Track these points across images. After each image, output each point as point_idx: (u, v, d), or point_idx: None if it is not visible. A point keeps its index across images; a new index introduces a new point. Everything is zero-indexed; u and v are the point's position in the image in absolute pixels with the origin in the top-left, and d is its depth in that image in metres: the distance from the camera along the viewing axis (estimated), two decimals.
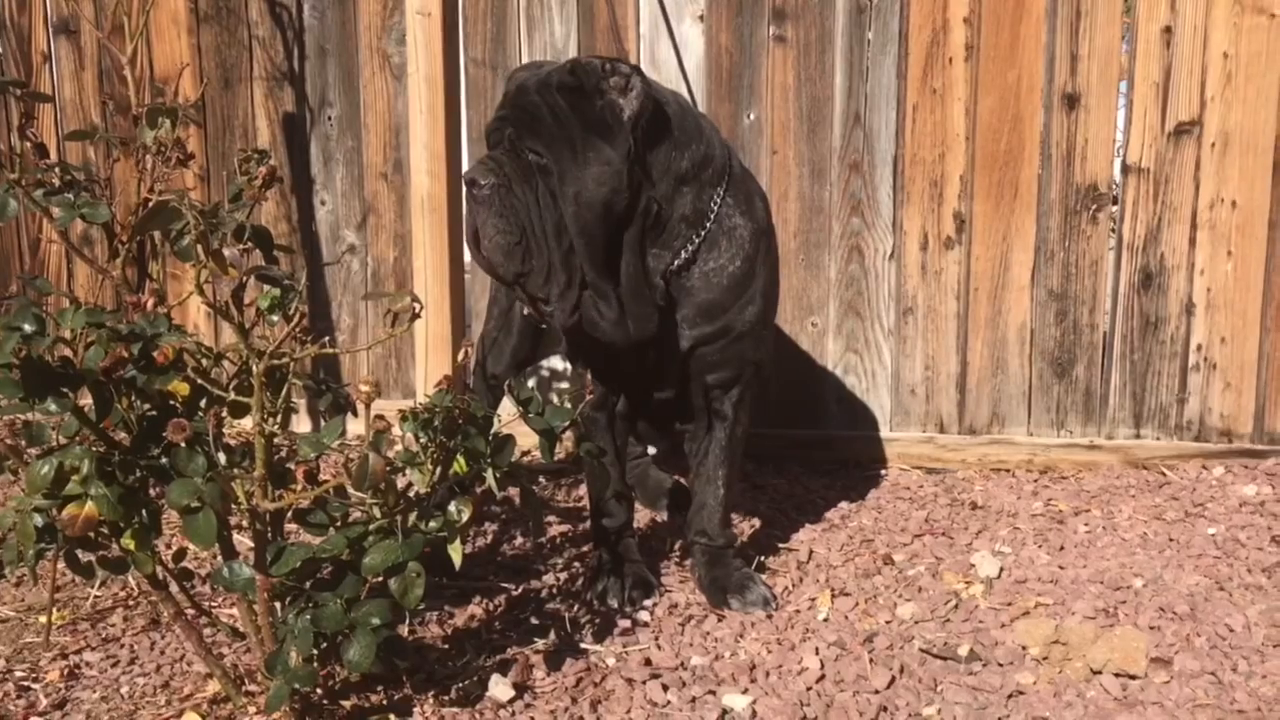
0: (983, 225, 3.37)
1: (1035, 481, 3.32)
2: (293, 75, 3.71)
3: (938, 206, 3.39)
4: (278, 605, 1.90)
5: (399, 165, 3.67)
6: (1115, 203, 3.38)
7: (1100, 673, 2.09)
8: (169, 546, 2.67)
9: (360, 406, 1.66)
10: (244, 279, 1.58)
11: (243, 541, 2.33)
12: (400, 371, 3.76)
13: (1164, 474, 3.29)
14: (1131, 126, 3.28)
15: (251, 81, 3.71)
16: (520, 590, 2.60)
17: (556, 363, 3.63)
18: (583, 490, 3.28)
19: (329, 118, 3.71)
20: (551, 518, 3.10)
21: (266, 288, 1.77)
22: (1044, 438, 3.43)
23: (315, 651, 1.83)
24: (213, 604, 2.43)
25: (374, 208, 3.72)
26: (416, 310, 1.68)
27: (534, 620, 2.44)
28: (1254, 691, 2.02)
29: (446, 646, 2.31)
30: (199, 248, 1.53)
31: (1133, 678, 2.07)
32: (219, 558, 2.00)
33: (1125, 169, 3.31)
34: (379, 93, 3.67)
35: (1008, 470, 3.42)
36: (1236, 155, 3.22)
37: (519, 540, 2.92)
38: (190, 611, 2.12)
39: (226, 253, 1.53)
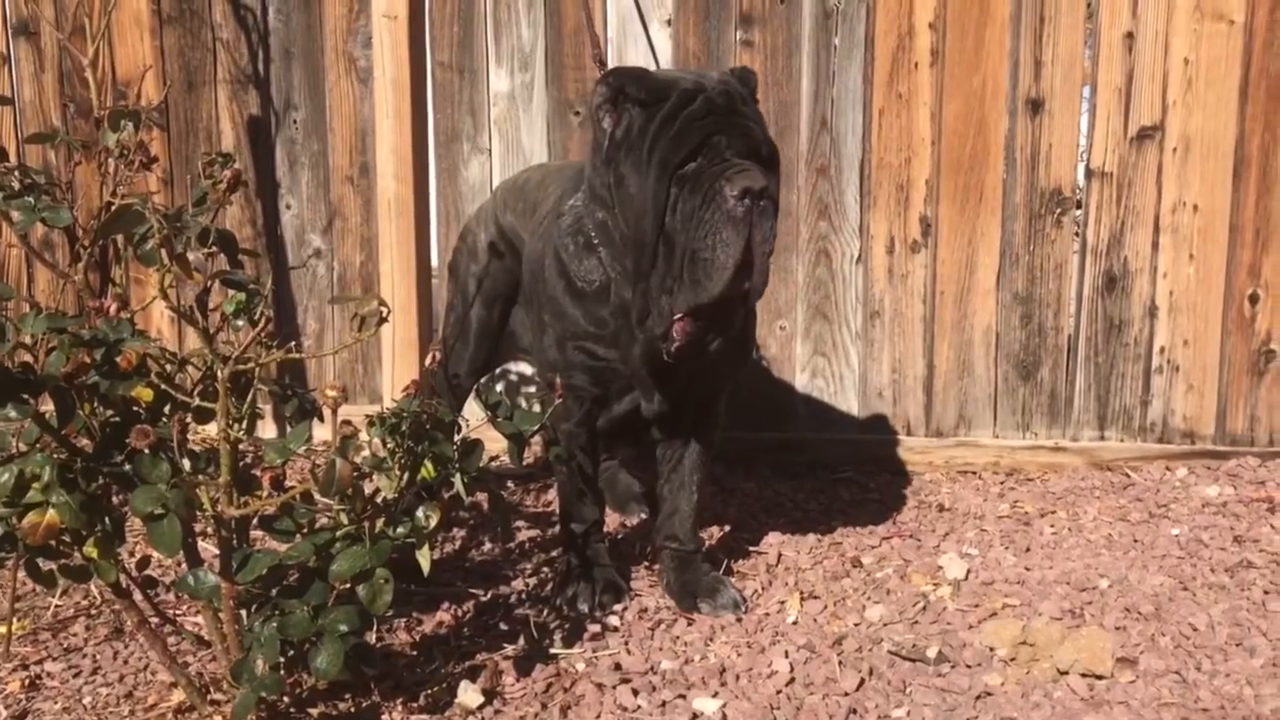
0: (948, 229, 3.39)
1: (1001, 483, 3.35)
2: (257, 78, 3.68)
3: (904, 210, 3.41)
4: (244, 613, 1.88)
5: (365, 169, 3.65)
6: (1079, 207, 3.41)
7: (1067, 673, 2.10)
8: (132, 554, 2.64)
9: (327, 412, 1.65)
10: (208, 283, 1.56)
11: (207, 549, 2.31)
12: (367, 376, 3.73)
13: (1128, 475, 3.32)
14: (1095, 131, 3.31)
15: (215, 84, 3.67)
16: (489, 596, 2.59)
17: (524, 367, 3.62)
18: (551, 494, 3.27)
19: (294, 121, 3.68)
20: (520, 522, 3.09)
21: (232, 292, 1.75)
22: (1010, 440, 3.46)
23: (282, 659, 1.81)
24: (177, 612, 2.41)
25: (340, 211, 3.69)
26: (384, 314, 1.67)
27: (503, 626, 2.43)
28: (1218, 690, 2.04)
29: (415, 653, 2.30)
30: (163, 252, 1.51)
31: (1099, 678, 2.09)
32: (184, 565, 1.98)
33: (1089, 173, 3.34)
34: (345, 96, 3.65)
35: (974, 472, 3.44)
36: (1198, 160, 3.26)
37: (488, 545, 2.91)
38: (154, 620, 2.09)
39: (191, 257, 1.51)
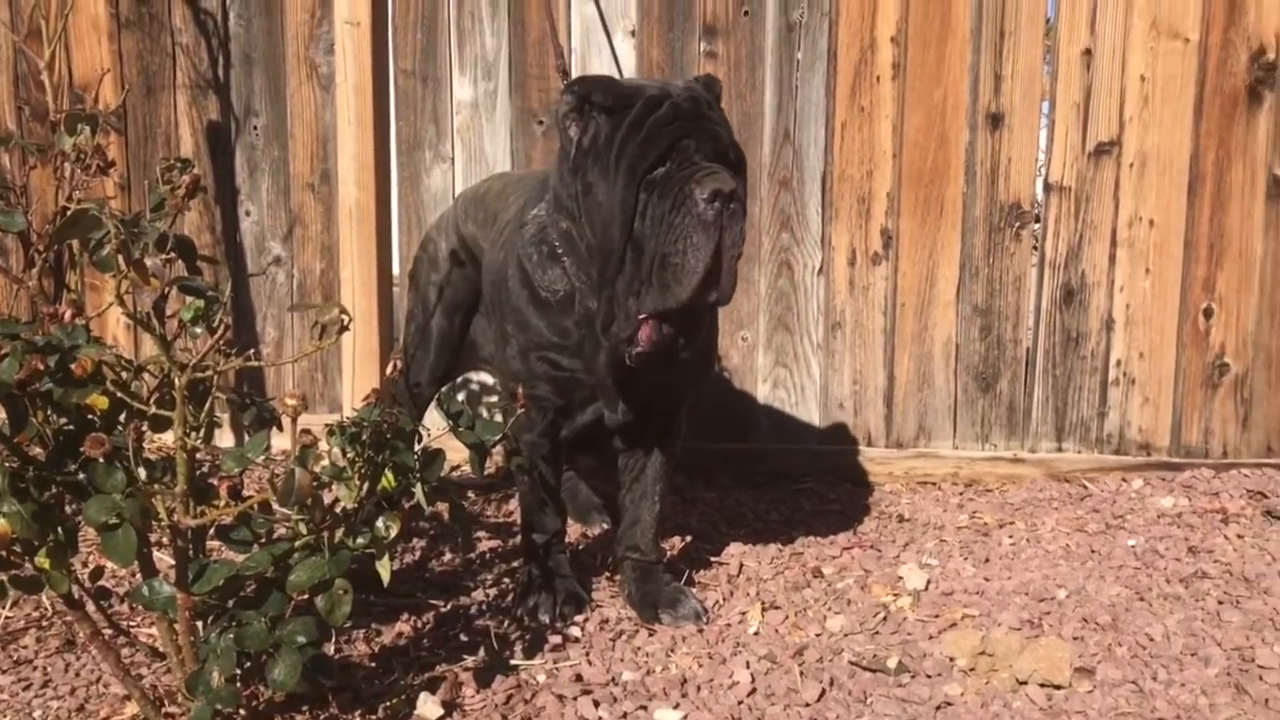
0: (909, 242, 3.42)
1: (960, 494, 3.37)
2: (217, 83, 3.64)
3: (865, 223, 3.43)
4: (199, 624, 1.86)
5: (326, 176, 3.62)
6: (1038, 220, 3.45)
7: (1026, 683, 2.11)
8: (85, 565, 2.60)
9: (286, 421, 1.63)
10: (166, 290, 1.54)
11: (162, 559, 2.27)
12: (327, 385, 3.70)
13: (1085, 486, 3.35)
14: (1053, 146, 3.35)
15: (174, 89, 3.63)
16: (449, 607, 2.56)
17: (486, 377, 3.60)
18: (512, 505, 3.26)
19: (255, 127, 3.65)
20: (481, 533, 3.07)
21: (190, 299, 1.73)
22: (969, 451, 3.48)
23: (238, 671, 1.79)
24: (131, 624, 2.37)
25: (300, 219, 3.66)
26: (345, 322, 1.65)
27: (463, 637, 2.41)
28: (1173, 699, 2.06)
29: (374, 665, 2.27)
30: (119, 257, 1.49)
31: (1057, 688, 2.10)
32: (138, 576, 1.95)
33: (1047, 187, 3.38)
34: (306, 102, 3.62)
35: (934, 483, 3.46)
36: (1154, 175, 3.31)
37: (448, 556, 2.88)
38: (108, 631, 2.06)
39: (148, 263, 1.49)
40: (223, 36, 3.63)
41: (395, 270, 3.64)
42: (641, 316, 2.18)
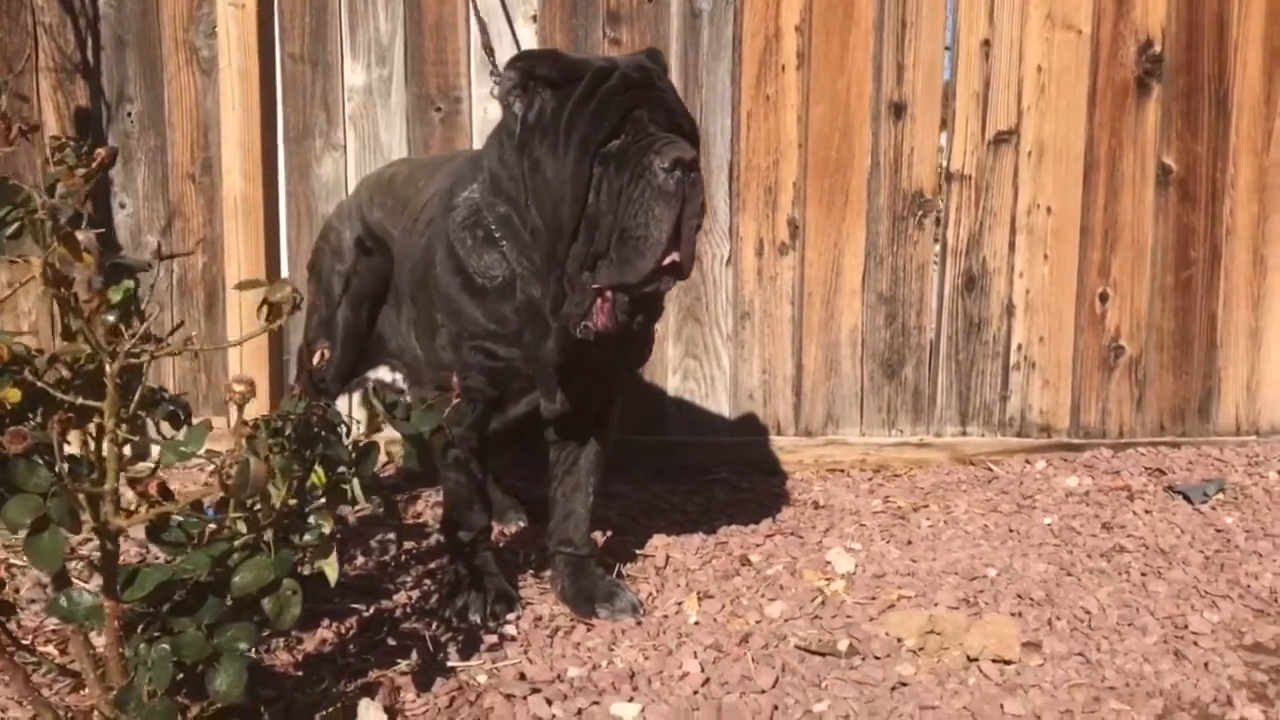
0: (815, 231, 3.42)
1: (870, 480, 3.39)
2: (86, 67, 3.41)
3: (772, 213, 3.42)
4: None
5: (208, 165, 3.43)
6: (940, 209, 3.50)
7: (977, 660, 2.12)
8: None
9: (232, 409, 1.50)
10: (98, 267, 1.39)
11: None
12: (211, 387, 3.50)
13: (990, 469, 3.41)
14: (954, 135, 3.40)
15: (38, 72, 3.38)
16: (372, 610, 2.43)
17: (384, 374, 3.45)
18: (419, 506, 3.14)
19: (129, 114, 3.43)
20: (390, 535, 2.94)
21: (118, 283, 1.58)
22: (876, 437, 3.51)
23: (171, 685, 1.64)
24: (25, 640, 2.17)
25: (180, 211, 3.46)
26: (297, 301, 1.53)
27: (391, 641, 2.29)
28: (1120, 668, 2.09)
29: (300, 673, 2.14)
30: (48, 228, 1.34)
31: (1008, 663, 2.11)
32: (23, 591, 1.78)
33: (948, 176, 3.43)
34: (185, 88, 3.42)
35: (843, 470, 3.47)
36: (1051, 163, 3.39)
37: (360, 559, 2.75)
38: (10, 649, 1.87)
39: (80, 236, 1.35)
40: (91, 17, 3.40)
41: (284, 266, 3.46)
42: (595, 286, 2.09)
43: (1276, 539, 2.72)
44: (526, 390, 2.36)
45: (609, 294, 2.09)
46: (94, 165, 1.73)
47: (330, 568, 1.74)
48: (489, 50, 2.50)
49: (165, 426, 1.78)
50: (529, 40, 3.35)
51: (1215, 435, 3.50)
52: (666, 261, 2.04)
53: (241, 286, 1.53)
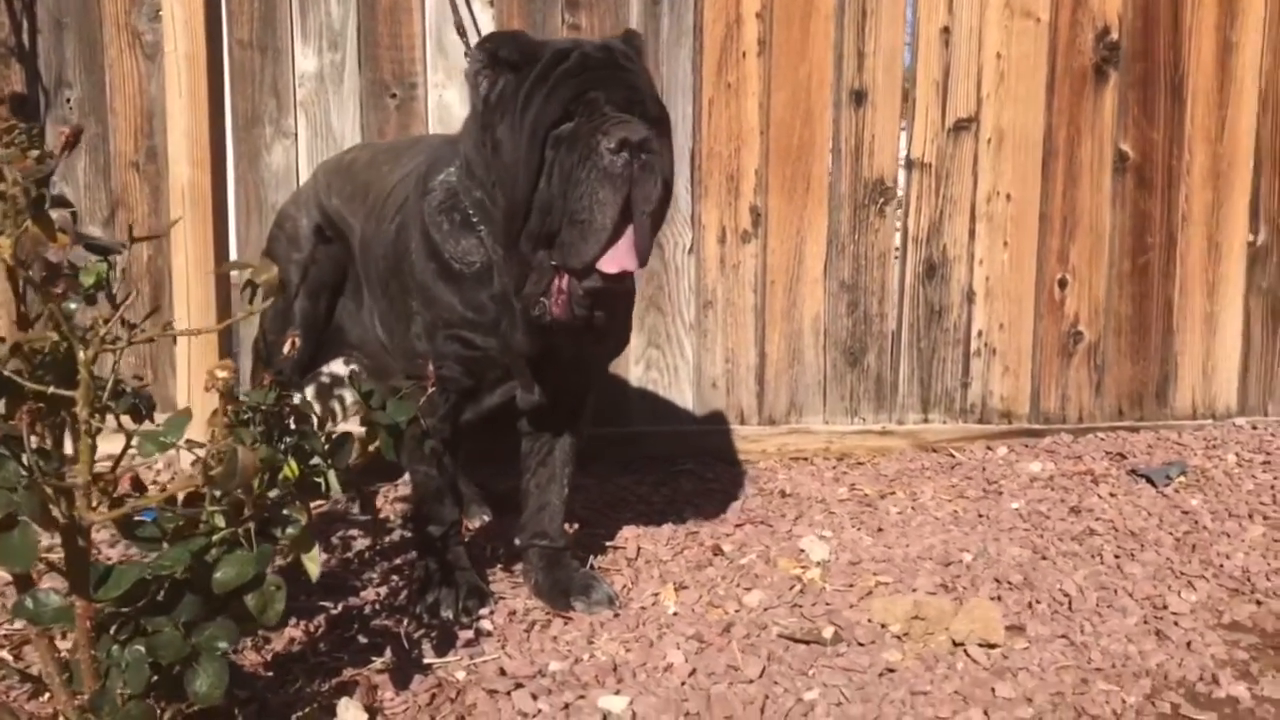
0: (778, 219, 3.40)
1: (834, 468, 3.38)
2: (21, 50, 3.27)
3: (734, 200, 3.39)
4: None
5: (153, 153, 3.31)
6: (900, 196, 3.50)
7: (963, 644, 2.11)
8: None
9: (215, 396, 1.43)
10: (70, 247, 1.32)
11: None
12: (157, 383, 3.38)
13: (953, 455, 3.42)
14: (914, 123, 3.40)
15: None
16: (340, 608, 2.36)
17: (338, 368, 3.36)
18: (379, 501, 3.06)
19: (68, 100, 3.31)
20: (352, 532, 2.86)
21: (86, 265, 1.50)
22: (839, 425, 3.49)
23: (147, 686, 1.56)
24: None
25: (123, 201, 3.34)
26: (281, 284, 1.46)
27: (363, 639, 2.23)
28: (1105, 650, 2.10)
29: (271, 674, 2.07)
30: (18, 202, 1.26)
31: (994, 646, 2.10)
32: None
33: (909, 164, 3.43)
34: (128, 74, 3.30)
35: (806, 458, 3.46)
36: (1010, 151, 3.41)
37: (323, 556, 2.67)
38: None
39: (54, 215, 1.27)
40: None
41: (233, 255, 3.35)
42: (554, 264, 2.04)
43: (1242, 520, 2.76)
44: (502, 380, 2.30)
45: (565, 283, 2.05)
46: (62, 144, 1.65)
47: (312, 561, 1.68)
48: (461, 31, 2.44)
49: (126, 420, 1.70)
50: (487, 27, 3.28)
51: (1173, 419, 3.54)
52: (616, 263, 2.00)
53: (228, 268, 1.46)
